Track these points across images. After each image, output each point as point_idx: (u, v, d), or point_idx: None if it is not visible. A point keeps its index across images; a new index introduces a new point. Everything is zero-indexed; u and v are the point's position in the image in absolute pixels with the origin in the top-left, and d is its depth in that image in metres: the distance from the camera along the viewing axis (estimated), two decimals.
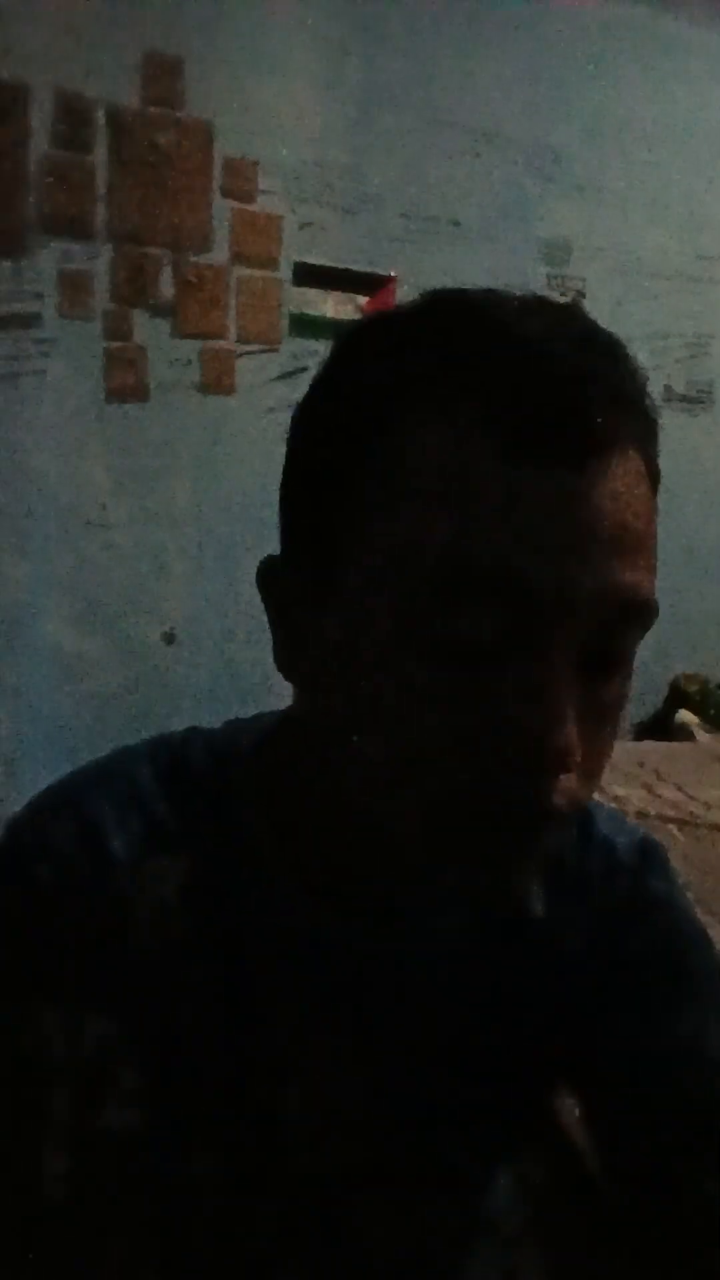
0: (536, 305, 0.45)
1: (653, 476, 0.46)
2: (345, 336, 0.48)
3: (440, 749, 0.43)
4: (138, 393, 2.66)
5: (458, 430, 0.41)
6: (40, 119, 2.44)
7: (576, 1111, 0.58)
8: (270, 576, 0.50)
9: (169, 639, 2.77)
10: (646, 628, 0.45)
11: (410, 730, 0.43)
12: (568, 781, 0.43)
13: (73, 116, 2.47)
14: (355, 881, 0.52)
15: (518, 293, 0.46)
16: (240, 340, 2.74)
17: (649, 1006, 0.55)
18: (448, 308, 0.45)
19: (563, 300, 0.47)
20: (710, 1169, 0.50)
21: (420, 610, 0.42)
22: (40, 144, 2.45)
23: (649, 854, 0.60)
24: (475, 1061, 0.55)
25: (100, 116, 2.49)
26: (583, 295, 3.12)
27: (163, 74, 2.54)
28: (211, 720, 0.62)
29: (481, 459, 0.41)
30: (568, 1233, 0.61)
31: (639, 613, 0.44)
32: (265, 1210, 0.54)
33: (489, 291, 0.46)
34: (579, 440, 0.41)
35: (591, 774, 0.47)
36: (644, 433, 0.45)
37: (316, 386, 0.48)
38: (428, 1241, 0.56)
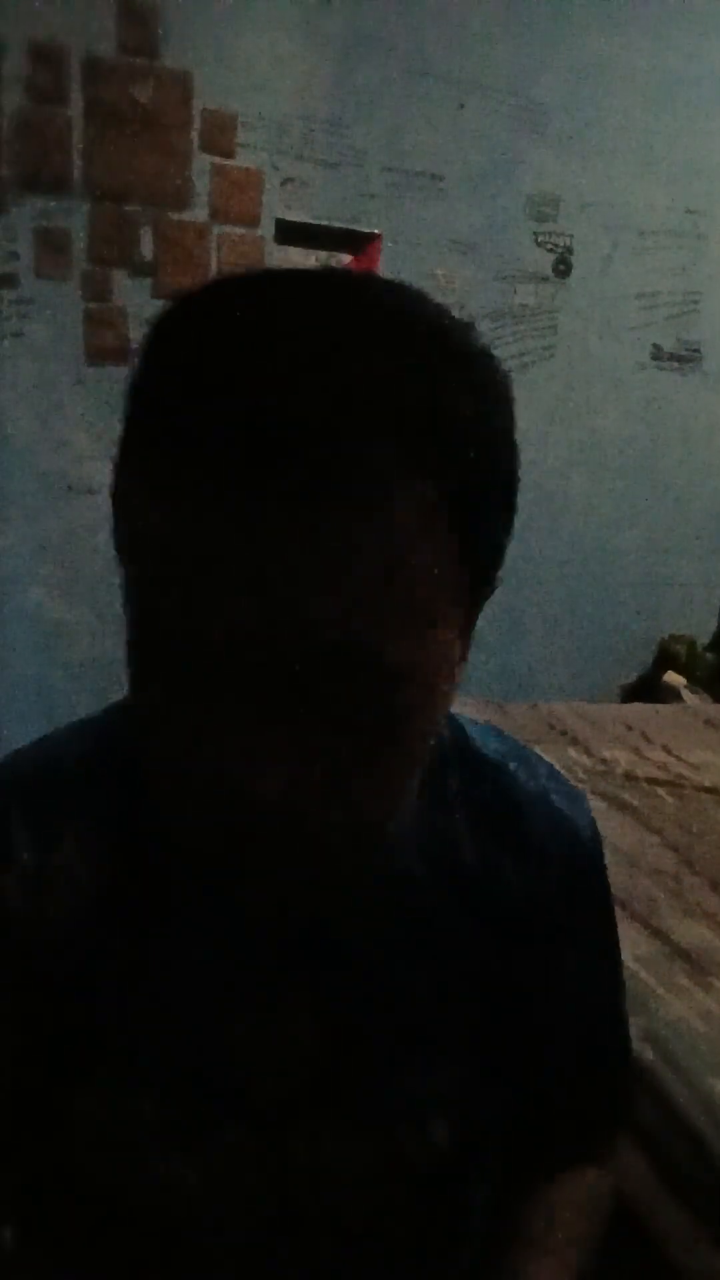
0: (294, 316, 0.39)
1: (461, 508, 0.40)
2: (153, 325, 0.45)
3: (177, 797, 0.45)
4: (119, 355, 2.62)
5: (148, 455, 0.40)
6: (13, 69, 2.37)
7: None
8: None
9: None
10: (375, 684, 0.41)
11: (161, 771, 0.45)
12: (276, 792, 0.41)
13: (47, 66, 2.40)
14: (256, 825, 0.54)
15: (327, 281, 0.42)
16: None
17: (573, 971, 0.63)
18: (193, 311, 0.41)
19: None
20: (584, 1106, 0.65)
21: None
22: (14, 96, 2.38)
23: (596, 831, 0.64)
24: (416, 998, 0.58)
25: (75, 66, 2.42)
26: (570, 252, 3.07)
27: (138, 22, 2.47)
28: None
29: (153, 491, 0.39)
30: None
31: (349, 662, 0.40)
32: (214, 1147, 0.56)
33: (257, 289, 0.42)
34: (230, 479, 0.37)
35: (355, 797, 0.44)
36: (434, 454, 0.39)
37: None
38: (379, 1172, 0.58)
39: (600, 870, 0.65)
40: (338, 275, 0.43)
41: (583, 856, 0.63)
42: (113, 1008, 0.54)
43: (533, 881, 0.60)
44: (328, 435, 0.37)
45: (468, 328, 0.43)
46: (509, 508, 0.45)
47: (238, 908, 0.54)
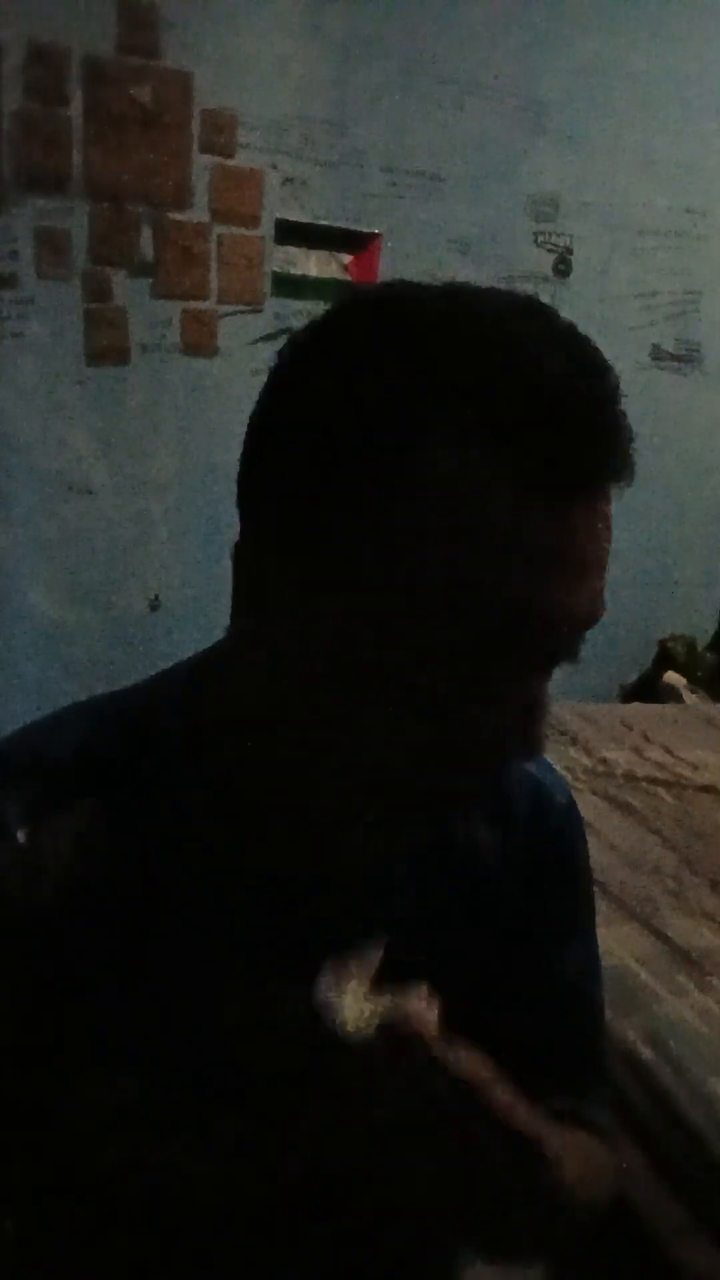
0: (553, 327, 0.46)
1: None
2: (351, 316, 0.48)
3: (414, 744, 0.47)
4: (119, 355, 2.62)
5: (476, 460, 0.43)
6: (13, 70, 2.37)
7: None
8: (244, 555, 0.51)
9: (154, 605, 2.75)
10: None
11: (394, 726, 0.47)
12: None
13: (47, 67, 2.40)
14: (283, 808, 0.55)
15: (518, 294, 0.48)
16: (222, 300, 2.69)
17: (548, 937, 0.65)
18: (465, 319, 0.45)
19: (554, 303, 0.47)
20: (561, 1079, 0.64)
21: (424, 634, 0.45)
22: (13, 96, 2.38)
23: (571, 799, 0.67)
24: (404, 968, 0.58)
25: (75, 67, 2.42)
26: (570, 252, 3.07)
27: (138, 22, 2.47)
28: None
29: (497, 492, 0.43)
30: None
31: (594, 624, 0.49)
32: (212, 1137, 0.56)
33: (498, 297, 0.47)
34: (579, 478, 0.45)
35: None
36: (623, 458, 0.47)
37: (315, 366, 0.47)
38: (371, 1148, 0.58)
39: (575, 836, 0.67)
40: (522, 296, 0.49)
41: (557, 821, 0.65)
42: (107, 998, 0.54)
43: (512, 847, 0.62)
44: (622, 438, 0.45)
45: None
46: None
47: (233, 895, 0.55)
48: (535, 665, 0.48)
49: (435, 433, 0.43)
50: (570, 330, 0.46)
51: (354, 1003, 0.48)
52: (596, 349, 0.46)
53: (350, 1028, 0.47)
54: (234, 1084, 0.56)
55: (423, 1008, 0.48)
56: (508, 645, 0.46)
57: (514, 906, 0.63)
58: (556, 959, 0.66)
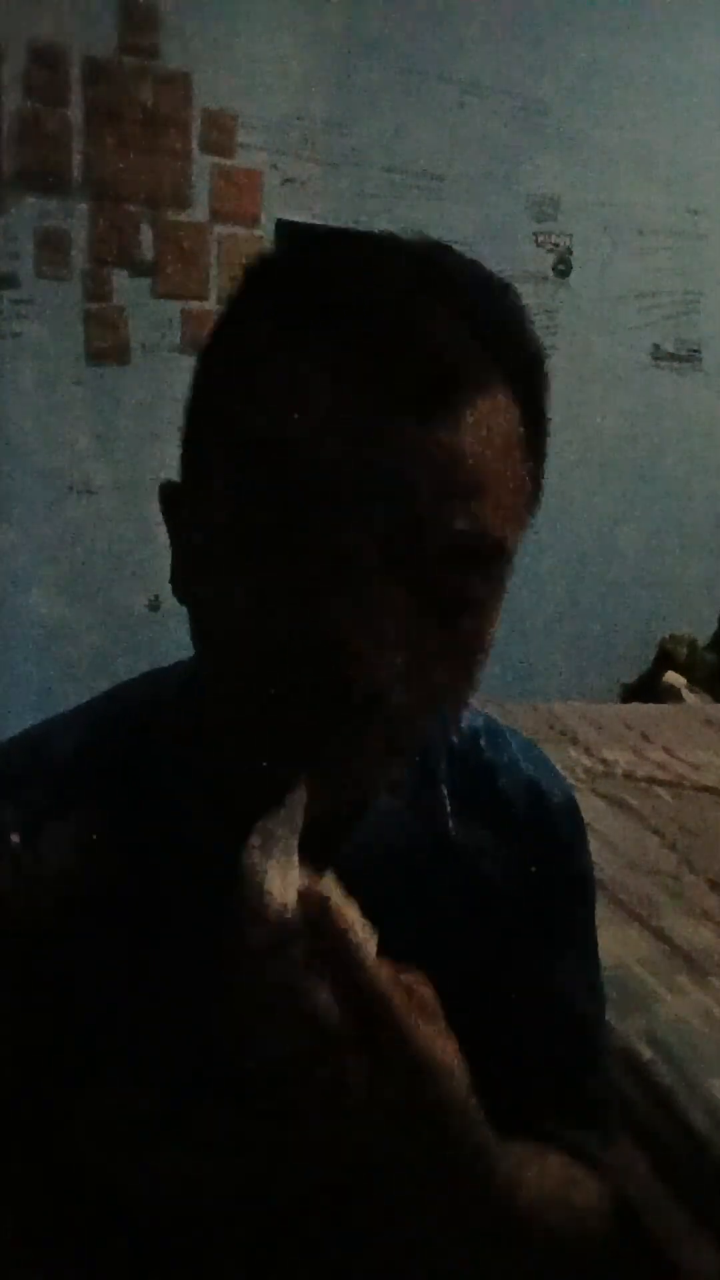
0: (387, 255, 0.49)
1: (529, 410, 0.48)
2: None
3: (267, 642, 0.46)
4: (119, 355, 2.62)
5: (305, 375, 0.44)
6: (13, 70, 2.37)
7: None
8: (170, 500, 0.55)
9: (153, 606, 2.75)
10: (495, 569, 0.47)
11: (241, 624, 0.47)
12: (380, 674, 0.45)
13: (47, 67, 2.40)
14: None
15: (374, 235, 0.51)
16: (221, 300, 2.69)
17: (542, 947, 0.62)
18: (304, 258, 0.50)
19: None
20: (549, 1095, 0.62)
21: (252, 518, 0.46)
22: (14, 96, 2.38)
23: (571, 798, 0.65)
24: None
25: (75, 67, 2.42)
26: (570, 252, 3.07)
27: (138, 22, 2.47)
28: None
29: (321, 402, 0.43)
30: None
31: (476, 552, 0.45)
32: (213, 1138, 0.56)
33: (342, 237, 0.52)
34: (407, 392, 0.43)
35: (435, 682, 0.49)
36: (511, 370, 0.47)
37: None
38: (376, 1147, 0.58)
39: (573, 838, 0.64)
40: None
41: (553, 821, 0.63)
42: (107, 1001, 0.54)
43: (509, 851, 0.61)
44: (428, 365, 0.46)
45: None
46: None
47: (230, 894, 0.55)
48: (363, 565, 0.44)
49: (272, 353, 0.46)
50: (414, 258, 0.48)
51: (279, 869, 0.44)
52: (446, 273, 0.47)
53: (277, 896, 0.43)
54: (233, 1082, 0.56)
55: (341, 895, 0.45)
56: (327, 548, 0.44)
57: (510, 913, 0.61)
58: (550, 972, 0.63)
